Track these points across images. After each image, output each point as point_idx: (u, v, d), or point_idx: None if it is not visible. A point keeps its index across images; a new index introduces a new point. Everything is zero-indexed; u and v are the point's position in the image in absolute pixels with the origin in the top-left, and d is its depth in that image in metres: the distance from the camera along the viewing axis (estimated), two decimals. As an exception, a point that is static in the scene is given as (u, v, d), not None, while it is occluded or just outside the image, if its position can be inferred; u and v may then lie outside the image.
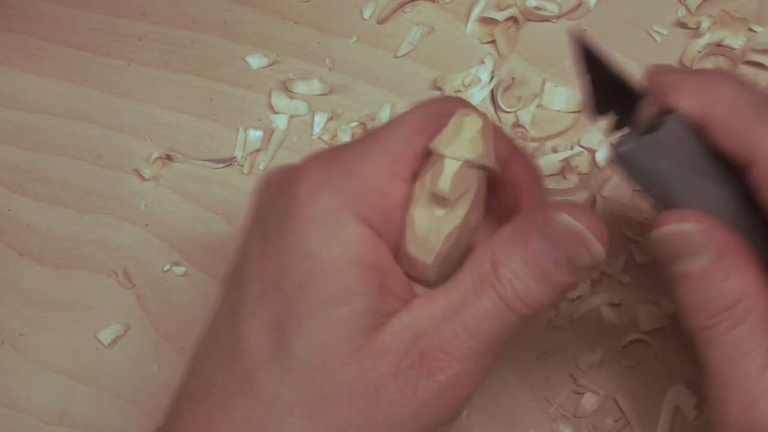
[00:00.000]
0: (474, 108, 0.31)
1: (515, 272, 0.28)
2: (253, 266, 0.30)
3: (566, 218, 0.28)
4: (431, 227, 0.29)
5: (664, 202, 0.29)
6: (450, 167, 0.29)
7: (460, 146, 0.29)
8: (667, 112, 0.29)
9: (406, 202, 0.30)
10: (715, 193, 0.29)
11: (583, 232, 0.28)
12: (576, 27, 0.46)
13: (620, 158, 0.29)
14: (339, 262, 0.29)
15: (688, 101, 0.29)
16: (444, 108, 0.30)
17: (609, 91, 0.30)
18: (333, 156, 0.30)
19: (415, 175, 0.30)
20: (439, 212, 0.29)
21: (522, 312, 0.28)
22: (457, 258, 0.31)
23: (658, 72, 0.30)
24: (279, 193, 0.31)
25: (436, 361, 0.28)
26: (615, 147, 0.29)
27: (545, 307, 0.29)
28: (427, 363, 0.28)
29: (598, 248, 0.28)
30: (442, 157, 0.29)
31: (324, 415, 0.28)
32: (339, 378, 0.28)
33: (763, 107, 0.28)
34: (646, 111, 0.30)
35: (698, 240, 0.28)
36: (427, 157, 0.30)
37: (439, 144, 0.29)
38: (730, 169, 0.29)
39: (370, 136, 0.31)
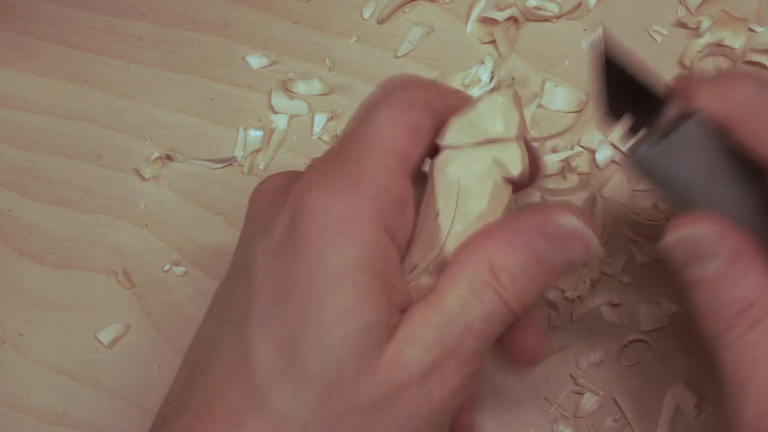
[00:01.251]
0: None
1: (514, 275, 0.29)
2: (259, 279, 0.29)
3: (571, 219, 0.28)
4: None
5: (682, 205, 0.29)
6: (514, 150, 0.29)
7: (517, 125, 0.30)
8: (689, 114, 0.29)
9: (409, 198, 0.30)
10: (732, 195, 0.29)
11: (585, 232, 0.28)
12: (578, 26, 0.46)
13: (636, 162, 0.29)
14: (354, 271, 0.28)
15: (709, 102, 0.29)
16: (416, 95, 0.30)
17: (626, 93, 0.30)
18: (330, 163, 0.30)
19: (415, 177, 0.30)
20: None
21: (518, 311, 0.29)
22: None
23: (685, 77, 0.30)
24: (281, 202, 0.30)
25: (448, 368, 0.28)
26: (631, 151, 0.29)
27: (533, 304, 0.30)
28: (439, 371, 0.28)
29: (596, 244, 0.29)
30: (486, 143, 0.29)
31: (342, 430, 0.28)
32: (354, 393, 0.28)
33: None
34: (668, 113, 0.30)
35: (710, 244, 0.28)
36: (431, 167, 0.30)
37: (487, 129, 0.29)
38: (752, 170, 0.28)
39: (355, 139, 0.30)
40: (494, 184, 0.29)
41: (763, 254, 0.28)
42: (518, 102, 0.30)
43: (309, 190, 0.29)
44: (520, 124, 0.30)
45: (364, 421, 0.28)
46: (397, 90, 0.31)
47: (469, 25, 0.47)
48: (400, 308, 0.29)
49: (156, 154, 0.45)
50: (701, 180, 0.29)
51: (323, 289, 0.28)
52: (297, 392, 0.27)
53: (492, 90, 0.40)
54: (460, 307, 0.28)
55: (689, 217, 0.28)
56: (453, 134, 0.30)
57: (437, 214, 0.30)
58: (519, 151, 0.29)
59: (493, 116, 0.30)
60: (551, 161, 0.42)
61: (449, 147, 0.30)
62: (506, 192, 0.30)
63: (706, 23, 0.44)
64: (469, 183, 0.29)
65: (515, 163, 0.29)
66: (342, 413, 0.28)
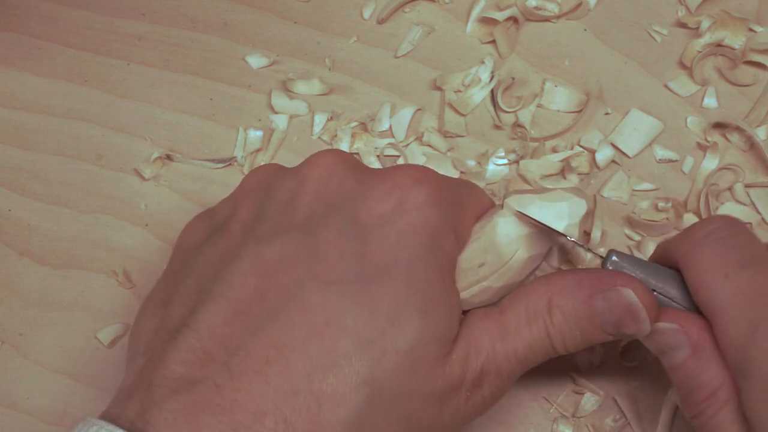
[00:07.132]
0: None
1: (567, 318, 0.32)
2: (351, 246, 0.31)
3: (631, 294, 0.31)
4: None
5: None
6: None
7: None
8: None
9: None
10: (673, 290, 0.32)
11: (640, 312, 0.31)
12: (578, 26, 0.46)
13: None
14: (449, 265, 0.32)
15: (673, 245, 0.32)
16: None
17: None
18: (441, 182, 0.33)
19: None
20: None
21: (559, 351, 0.32)
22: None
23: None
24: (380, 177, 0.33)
25: (487, 376, 0.31)
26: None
27: (577, 351, 0.33)
28: (481, 377, 0.31)
29: (647, 327, 0.31)
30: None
31: (406, 407, 0.30)
32: (425, 376, 0.30)
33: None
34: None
35: (675, 337, 0.31)
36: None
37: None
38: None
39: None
40: (535, 268, 0.34)
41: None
42: (590, 212, 0.35)
43: (420, 184, 0.32)
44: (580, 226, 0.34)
45: (426, 405, 0.30)
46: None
47: (469, 25, 0.47)
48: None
49: (156, 154, 0.45)
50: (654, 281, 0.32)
51: (423, 274, 0.30)
52: (382, 360, 0.29)
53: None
54: (514, 329, 0.32)
55: (661, 313, 0.32)
56: (521, 202, 0.33)
57: (482, 264, 0.33)
58: (558, 254, 0.36)
59: (564, 214, 0.33)
60: (551, 161, 0.42)
61: (515, 213, 0.33)
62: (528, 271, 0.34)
63: (706, 23, 0.44)
64: (521, 258, 0.33)
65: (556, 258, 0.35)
66: (412, 392, 0.30)
